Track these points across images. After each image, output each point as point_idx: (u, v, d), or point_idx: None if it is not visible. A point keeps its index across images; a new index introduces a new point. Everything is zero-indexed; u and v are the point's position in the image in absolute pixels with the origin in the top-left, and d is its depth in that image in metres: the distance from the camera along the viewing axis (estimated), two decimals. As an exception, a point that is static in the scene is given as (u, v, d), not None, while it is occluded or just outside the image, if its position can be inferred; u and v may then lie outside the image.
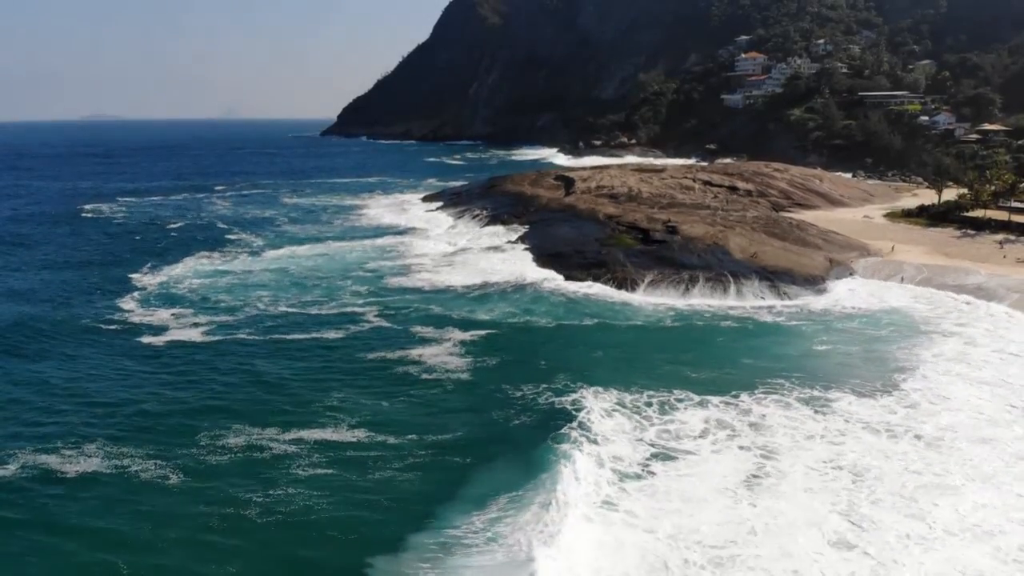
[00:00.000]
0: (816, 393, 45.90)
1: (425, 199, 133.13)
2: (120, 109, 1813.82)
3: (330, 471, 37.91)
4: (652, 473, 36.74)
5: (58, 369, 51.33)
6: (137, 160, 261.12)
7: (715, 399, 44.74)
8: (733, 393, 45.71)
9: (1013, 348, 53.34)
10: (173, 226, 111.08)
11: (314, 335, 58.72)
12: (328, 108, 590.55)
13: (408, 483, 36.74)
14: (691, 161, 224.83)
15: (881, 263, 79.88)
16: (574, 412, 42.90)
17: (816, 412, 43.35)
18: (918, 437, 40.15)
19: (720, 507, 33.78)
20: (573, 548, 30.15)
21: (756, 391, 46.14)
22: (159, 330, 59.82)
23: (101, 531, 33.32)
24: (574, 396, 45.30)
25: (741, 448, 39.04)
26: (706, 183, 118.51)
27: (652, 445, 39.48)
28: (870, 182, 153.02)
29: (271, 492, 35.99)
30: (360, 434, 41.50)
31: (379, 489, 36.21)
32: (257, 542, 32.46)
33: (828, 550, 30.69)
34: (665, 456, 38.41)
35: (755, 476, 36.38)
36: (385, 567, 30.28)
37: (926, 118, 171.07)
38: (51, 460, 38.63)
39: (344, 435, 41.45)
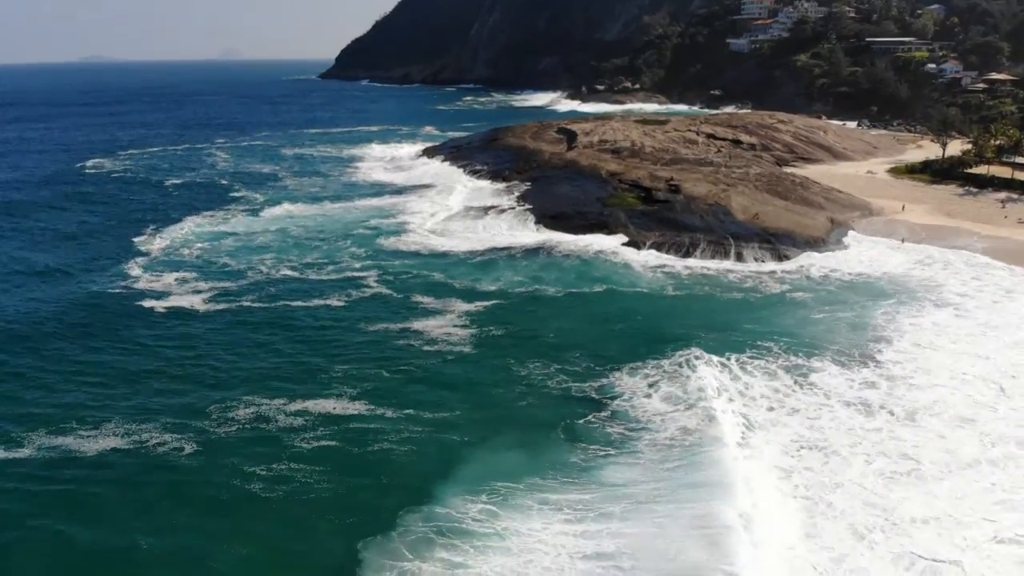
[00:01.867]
0: (800, 362, 46.71)
1: (426, 152, 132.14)
2: (117, 51, 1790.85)
3: (332, 444, 38.96)
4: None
5: (71, 342, 51.88)
6: (137, 108, 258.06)
7: (712, 373, 45.42)
8: (723, 360, 46.56)
9: (1005, 319, 53.55)
10: (175, 182, 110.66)
11: (317, 302, 59.29)
12: (327, 48, 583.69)
13: (406, 461, 37.58)
14: (695, 108, 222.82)
15: (883, 224, 79.98)
16: (585, 394, 43.64)
17: (796, 383, 44.11)
18: (892, 414, 40.56)
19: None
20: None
21: (744, 359, 46.95)
22: (165, 297, 60.32)
23: (117, 507, 34.45)
24: (585, 375, 45.86)
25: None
26: (710, 136, 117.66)
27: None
28: (874, 132, 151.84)
29: (275, 466, 37.05)
30: (361, 407, 42.36)
31: (377, 466, 37.16)
32: (261, 517, 33.64)
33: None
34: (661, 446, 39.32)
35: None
36: (377, 548, 30.99)
37: (933, 66, 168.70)
38: (66, 439, 39.52)
39: (347, 408, 42.32)
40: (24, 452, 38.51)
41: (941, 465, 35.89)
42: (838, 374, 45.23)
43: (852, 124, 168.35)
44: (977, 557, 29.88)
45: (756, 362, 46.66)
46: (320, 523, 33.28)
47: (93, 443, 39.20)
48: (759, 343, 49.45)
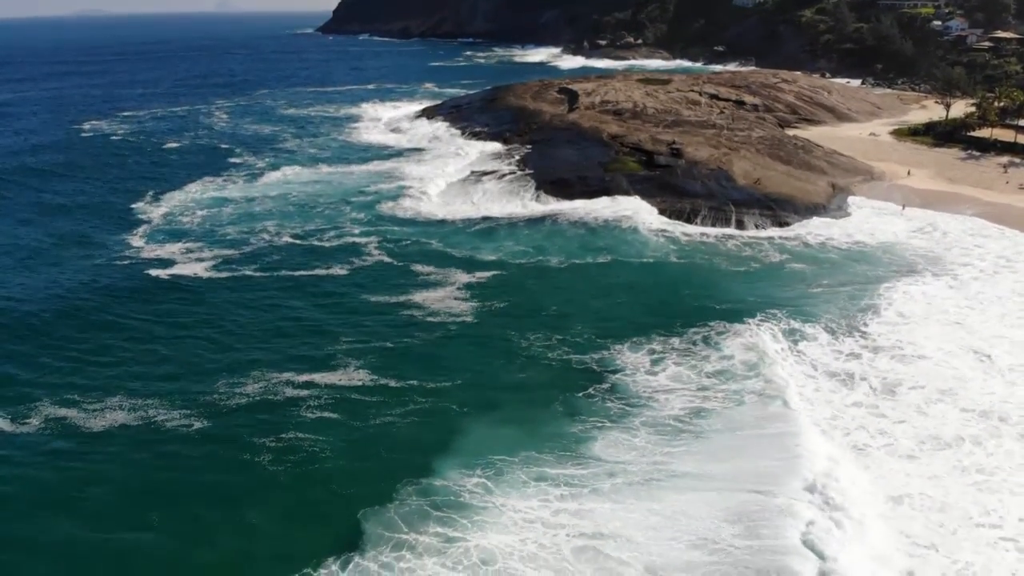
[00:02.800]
0: (794, 327, 47.79)
1: (425, 112, 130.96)
2: (113, 4, 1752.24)
3: (335, 416, 39.92)
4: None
5: (73, 317, 52.36)
6: (134, 67, 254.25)
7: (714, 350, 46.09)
8: (714, 337, 47.13)
9: (999, 291, 53.87)
10: (174, 146, 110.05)
11: (319, 271, 59.79)
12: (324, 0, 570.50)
13: (407, 434, 38.50)
14: (699, 64, 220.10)
15: (884, 189, 79.91)
16: (586, 366, 44.31)
17: (789, 348, 45.22)
18: (873, 389, 41.28)
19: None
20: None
21: (739, 329, 47.62)
22: (170, 265, 60.78)
23: (127, 481, 35.39)
24: (587, 347, 46.53)
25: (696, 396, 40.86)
26: (713, 97, 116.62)
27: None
28: (878, 91, 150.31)
29: (282, 437, 38.03)
30: (365, 378, 43.23)
31: (379, 439, 38.10)
32: (267, 489, 34.71)
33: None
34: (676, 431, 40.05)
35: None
36: (376, 520, 31.94)
37: (939, 23, 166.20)
38: (73, 413, 40.35)
39: (351, 379, 43.15)
40: (30, 426, 39.43)
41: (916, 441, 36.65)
42: (827, 345, 46.06)
43: (856, 82, 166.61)
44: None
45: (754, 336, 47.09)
46: (321, 495, 34.33)
47: (99, 418, 39.98)
48: (756, 315, 49.89)
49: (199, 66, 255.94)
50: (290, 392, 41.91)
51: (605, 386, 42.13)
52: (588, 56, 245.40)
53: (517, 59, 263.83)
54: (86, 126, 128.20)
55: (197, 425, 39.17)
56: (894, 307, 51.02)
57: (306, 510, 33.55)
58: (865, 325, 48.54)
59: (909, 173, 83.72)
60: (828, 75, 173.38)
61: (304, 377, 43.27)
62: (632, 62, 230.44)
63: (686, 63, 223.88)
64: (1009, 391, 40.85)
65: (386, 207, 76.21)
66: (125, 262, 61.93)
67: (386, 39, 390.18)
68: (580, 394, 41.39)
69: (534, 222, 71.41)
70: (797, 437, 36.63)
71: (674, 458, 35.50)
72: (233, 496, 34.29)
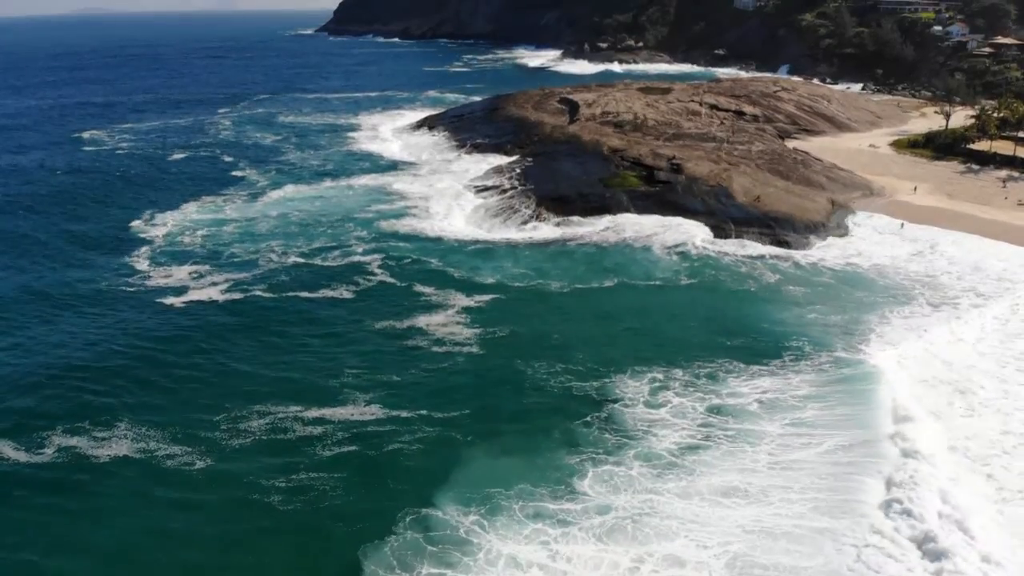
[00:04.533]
0: (776, 373, 47.26)
1: (426, 122, 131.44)
2: (114, 2, 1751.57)
3: (345, 451, 40.61)
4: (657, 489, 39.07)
5: (80, 341, 53.12)
6: (136, 72, 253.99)
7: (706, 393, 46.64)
8: (705, 374, 47.50)
9: (991, 321, 53.93)
10: (175, 158, 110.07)
11: (324, 293, 60.67)
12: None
13: (412, 465, 39.39)
14: (699, 67, 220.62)
15: (883, 205, 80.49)
16: (590, 398, 44.99)
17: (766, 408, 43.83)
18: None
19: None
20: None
21: (731, 369, 47.72)
22: (177, 291, 61.11)
23: (134, 519, 36.08)
24: (589, 377, 47.10)
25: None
26: (713, 107, 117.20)
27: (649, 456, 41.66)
28: (878, 98, 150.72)
29: (293, 477, 38.68)
30: (375, 412, 43.87)
31: (384, 471, 38.95)
32: (278, 532, 35.29)
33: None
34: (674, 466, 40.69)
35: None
36: (373, 557, 32.81)
37: (939, 28, 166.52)
38: (83, 443, 41.17)
39: (360, 413, 43.82)
40: (40, 457, 40.14)
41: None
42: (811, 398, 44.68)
43: (857, 87, 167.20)
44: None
45: (737, 378, 46.96)
46: (331, 536, 34.94)
47: (106, 448, 40.81)
48: (749, 347, 50.36)
49: (200, 71, 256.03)
50: (300, 429, 42.41)
51: (603, 414, 42.98)
52: (589, 59, 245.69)
53: (518, 62, 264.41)
54: (86, 136, 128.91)
55: (205, 464, 39.72)
56: (893, 344, 50.45)
57: (307, 546, 34.33)
58: (851, 378, 47.05)
59: (916, 190, 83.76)
60: (828, 80, 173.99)
61: (314, 412, 43.78)
62: (633, 66, 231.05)
63: (687, 67, 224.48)
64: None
65: (388, 225, 76.77)
66: (133, 288, 62.35)
67: (387, 40, 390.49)
68: (579, 424, 42.18)
69: (535, 242, 71.95)
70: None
71: (663, 497, 36.19)
72: (242, 544, 34.76)
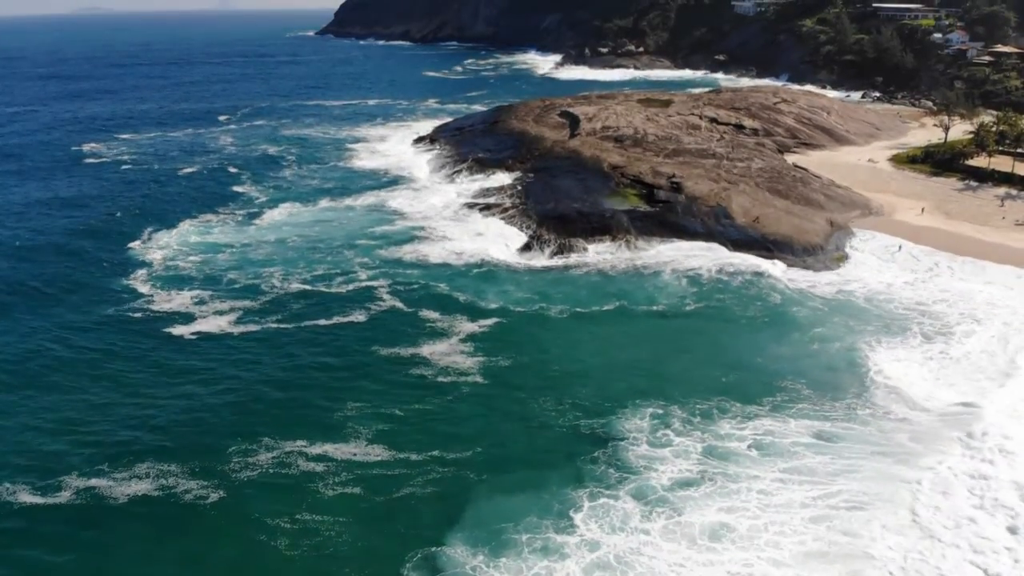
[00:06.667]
0: (763, 413, 47.71)
1: (427, 136, 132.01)
2: (114, 1, 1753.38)
3: (350, 491, 41.56)
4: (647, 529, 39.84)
5: (85, 374, 53.93)
6: (137, 79, 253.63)
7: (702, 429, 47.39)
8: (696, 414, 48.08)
9: (985, 346, 54.83)
10: (175, 174, 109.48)
11: (327, 320, 61.57)
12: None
13: (418, 504, 40.42)
14: (700, 73, 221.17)
15: (881, 224, 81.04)
16: (595, 434, 45.91)
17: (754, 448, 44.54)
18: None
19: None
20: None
21: (724, 412, 48.08)
22: (183, 320, 61.80)
23: (149, 561, 36.96)
24: (592, 413, 47.91)
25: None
26: (713, 120, 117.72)
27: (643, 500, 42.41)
28: (878, 107, 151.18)
29: (298, 517, 39.64)
30: (378, 451, 44.75)
31: (390, 510, 40.03)
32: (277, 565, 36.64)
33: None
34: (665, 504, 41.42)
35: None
36: None
37: (939, 35, 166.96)
38: (101, 482, 42.05)
39: (364, 451, 44.74)
40: (55, 498, 40.92)
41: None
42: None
43: (856, 95, 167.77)
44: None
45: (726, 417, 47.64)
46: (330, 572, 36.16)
47: (123, 487, 41.66)
48: (740, 384, 51.06)
49: (200, 77, 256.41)
50: (305, 466, 43.32)
51: (607, 451, 43.98)
52: (590, 65, 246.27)
53: (519, 67, 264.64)
54: (86, 147, 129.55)
55: (214, 501, 40.60)
56: (883, 381, 50.93)
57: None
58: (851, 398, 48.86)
59: (923, 211, 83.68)
60: (828, 87, 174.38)
61: (319, 448, 44.69)
62: (634, 72, 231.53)
63: (688, 73, 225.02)
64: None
65: (389, 248, 77.33)
66: (138, 314, 63.05)
67: (387, 43, 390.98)
68: (584, 464, 43.06)
69: (535, 268, 72.53)
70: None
71: (656, 536, 37.34)
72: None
